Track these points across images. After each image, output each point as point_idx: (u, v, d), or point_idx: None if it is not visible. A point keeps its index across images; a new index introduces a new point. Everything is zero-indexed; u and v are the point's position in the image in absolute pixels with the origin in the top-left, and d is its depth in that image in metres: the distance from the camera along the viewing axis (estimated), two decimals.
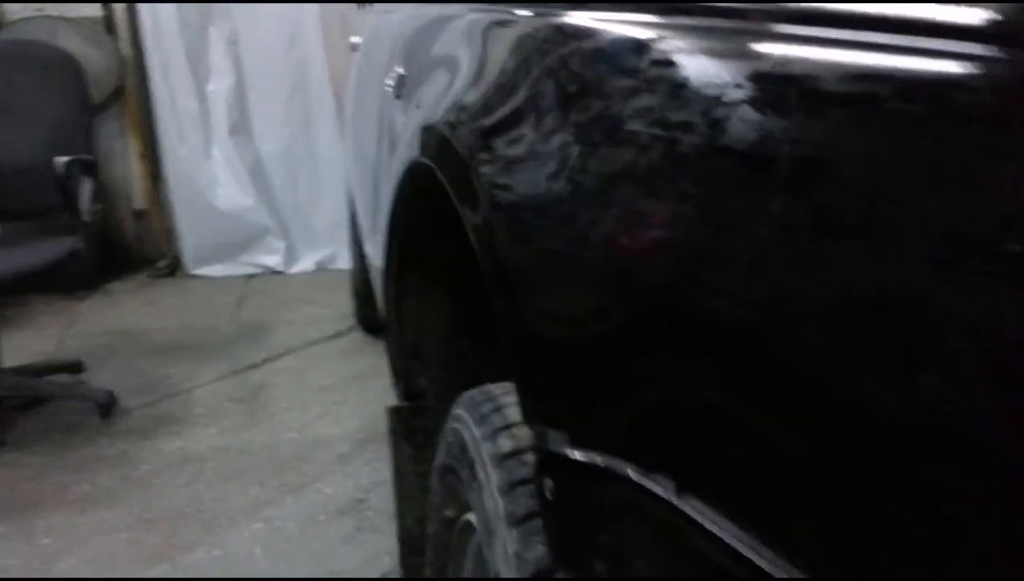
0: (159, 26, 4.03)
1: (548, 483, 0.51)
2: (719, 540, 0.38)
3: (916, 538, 0.32)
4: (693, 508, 0.40)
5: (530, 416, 0.52)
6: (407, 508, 1.21)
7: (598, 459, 0.46)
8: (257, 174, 4.20)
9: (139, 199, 4.33)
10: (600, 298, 0.47)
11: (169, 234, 4.34)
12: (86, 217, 2.53)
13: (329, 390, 2.86)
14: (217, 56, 4.17)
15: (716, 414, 0.40)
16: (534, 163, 0.55)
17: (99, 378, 2.92)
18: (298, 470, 2.36)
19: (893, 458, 0.33)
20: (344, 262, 3.87)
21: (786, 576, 0.35)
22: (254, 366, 3.07)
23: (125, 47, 4.15)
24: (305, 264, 4.23)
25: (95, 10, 4.09)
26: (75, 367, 2.93)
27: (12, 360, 2.82)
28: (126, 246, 4.33)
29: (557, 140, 0.53)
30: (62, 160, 2.38)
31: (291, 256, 4.23)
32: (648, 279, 0.44)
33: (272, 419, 2.67)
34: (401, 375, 1.17)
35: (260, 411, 2.73)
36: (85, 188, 2.57)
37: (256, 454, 2.45)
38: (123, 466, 2.39)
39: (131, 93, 4.19)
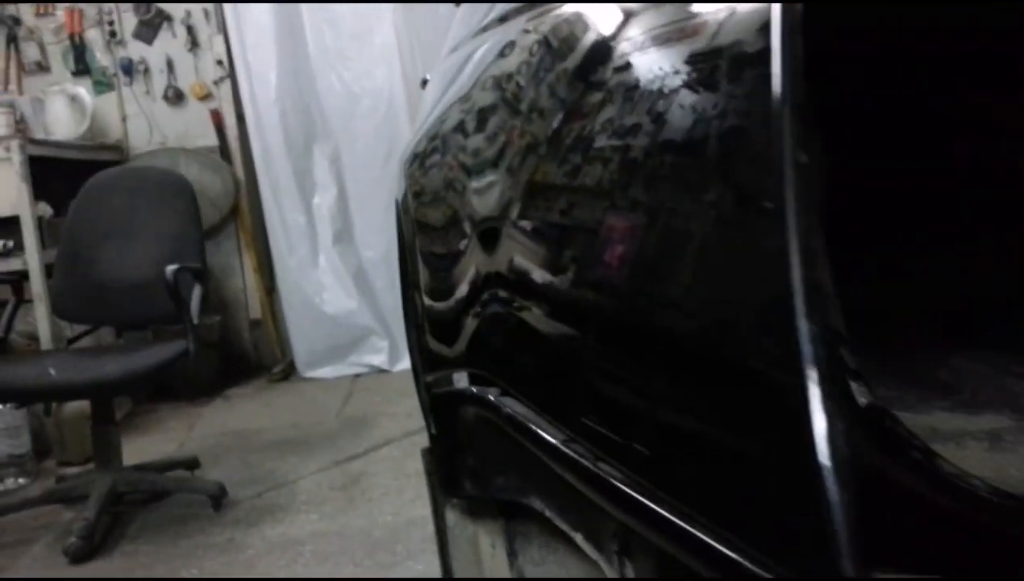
0: (268, 149, 4.38)
1: (431, 421, 0.63)
2: (526, 428, 0.47)
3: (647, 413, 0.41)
4: (508, 406, 0.50)
5: (422, 371, 0.65)
6: (446, 544, 1.28)
7: (455, 387, 0.58)
8: (360, 279, 4.44)
9: (255, 309, 4.63)
10: (448, 297, 0.62)
11: (283, 340, 4.60)
12: (195, 320, 2.75)
13: (424, 475, 2.95)
14: (321, 173, 4.49)
15: (514, 348, 0.52)
16: (431, 214, 0.71)
17: (213, 474, 3.10)
18: (391, 549, 2.44)
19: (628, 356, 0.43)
20: None
21: (552, 437, 0.45)
22: (356, 456, 3.21)
23: (239, 171, 4.52)
24: (408, 361, 4.39)
25: (211, 140, 4.48)
26: (191, 464, 3.12)
27: (135, 460, 3.04)
28: (244, 354, 4.62)
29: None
30: (171, 268, 2.62)
31: (394, 354, 4.41)
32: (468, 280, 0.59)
33: (369, 504, 2.77)
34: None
35: (359, 497, 2.84)
36: (194, 293, 2.80)
37: (352, 536, 2.54)
38: (229, 552, 2.52)
39: (245, 212, 4.53)
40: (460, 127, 0.67)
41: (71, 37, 4.40)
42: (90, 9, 4.41)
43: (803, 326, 0.31)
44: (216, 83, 4.52)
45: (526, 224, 0.54)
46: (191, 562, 2.47)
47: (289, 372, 4.52)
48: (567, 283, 0.48)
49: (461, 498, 0.64)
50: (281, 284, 4.47)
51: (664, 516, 0.38)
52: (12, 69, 4.37)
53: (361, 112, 4.40)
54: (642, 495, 0.39)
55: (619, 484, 0.40)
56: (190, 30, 4.46)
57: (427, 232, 0.72)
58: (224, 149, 4.52)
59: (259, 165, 4.41)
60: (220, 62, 4.49)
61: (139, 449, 3.39)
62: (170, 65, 4.48)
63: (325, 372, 4.42)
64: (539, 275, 0.52)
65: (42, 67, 4.43)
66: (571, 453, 0.45)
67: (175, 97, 4.50)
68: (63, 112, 4.14)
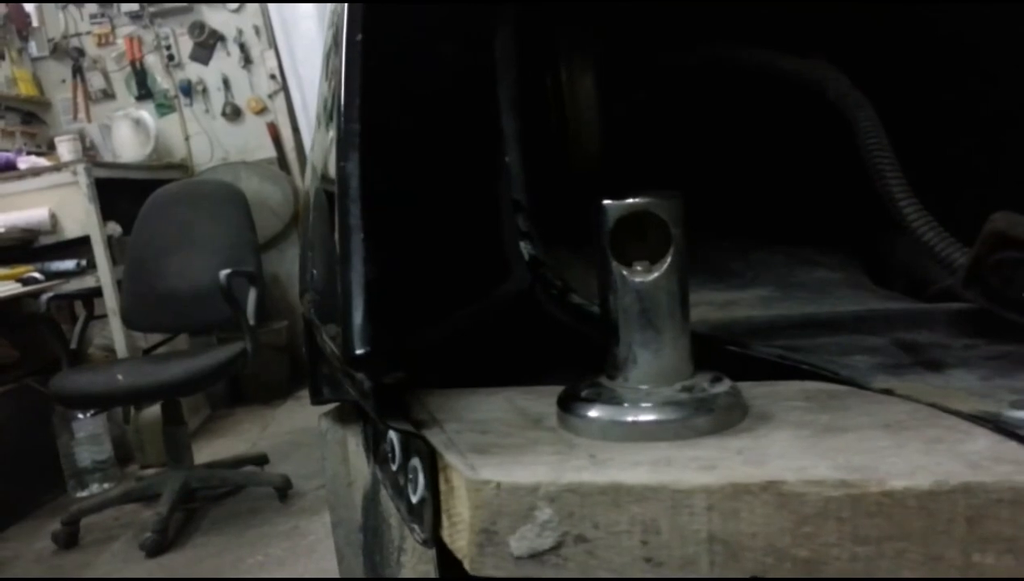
0: None
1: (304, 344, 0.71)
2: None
3: None
4: None
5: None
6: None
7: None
8: None
9: None
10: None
11: None
12: (251, 321, 2.87)
13: None
14: None
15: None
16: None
17: (281, 468, 3.23)
18: None
19: None
20: None
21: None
22: None
23: (297, 180, 4.68)
24: None
25: (269, 152, 4.65)
26: (260, 460, 3.26)
27: (212, 459, 3.21)
28: None
29: None
30: (224, 273, 2.74)
31: None
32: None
33: None
34: None
35: None
36: (249, 296, 2.92)
37: None
38: (293, 538, 2.64)
39: None
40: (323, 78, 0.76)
41: (132, 64, 4.62)
42: (147, 35, 4.62)
43: (352, 188, 0.41)
44: (271, 96, 4.68)
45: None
46: (257, 549, 2.59)
47: None
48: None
49: (323, 403, 0.75)
50: None
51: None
52: (80, 98, 4.61)
53: None
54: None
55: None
56: (243, 47, 4.63)
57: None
58: (282, 160, 4.68)
59: None
60: (273, 76, 4.64)
61: (214, 450, 3.56)
62: (226, 83, 4.67)
63: None
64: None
65: (107, 94, 4.67)
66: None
67: (233, 113, 4.68)
68: (129, 135, 4.36)
